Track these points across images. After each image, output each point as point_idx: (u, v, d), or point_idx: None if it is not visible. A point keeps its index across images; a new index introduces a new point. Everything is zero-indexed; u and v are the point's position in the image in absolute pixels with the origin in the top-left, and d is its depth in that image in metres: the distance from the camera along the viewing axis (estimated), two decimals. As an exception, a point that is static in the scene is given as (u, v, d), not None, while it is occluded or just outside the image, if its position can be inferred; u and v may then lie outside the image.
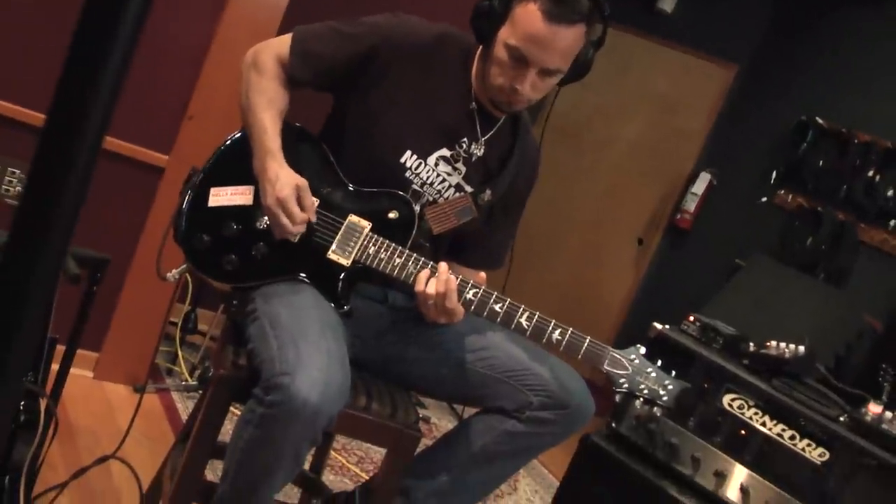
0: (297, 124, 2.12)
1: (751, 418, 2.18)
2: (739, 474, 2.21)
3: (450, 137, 2.07)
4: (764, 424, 2.17)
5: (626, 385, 1.91)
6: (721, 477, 2.22)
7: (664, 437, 2.28)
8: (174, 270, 2.09)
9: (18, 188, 2.93)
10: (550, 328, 1.92)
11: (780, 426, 2.15)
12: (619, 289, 6.12)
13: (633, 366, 1.92)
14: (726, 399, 2.22)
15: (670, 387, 1.90)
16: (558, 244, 6.32)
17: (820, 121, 5.29)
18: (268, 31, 3.04)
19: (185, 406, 3.41)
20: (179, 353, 3.66)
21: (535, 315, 1.93)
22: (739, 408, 2.20)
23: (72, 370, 2.66)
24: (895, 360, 4.37)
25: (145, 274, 3.16)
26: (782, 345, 2.26)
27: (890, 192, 4.99)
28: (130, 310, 3.30)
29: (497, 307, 1.94)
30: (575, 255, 6.32)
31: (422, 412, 4.23)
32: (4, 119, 2.87)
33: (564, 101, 6.26)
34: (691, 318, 2.34)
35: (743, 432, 2.21)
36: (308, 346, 1.77)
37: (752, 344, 2.25)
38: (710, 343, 2.32)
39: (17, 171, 2.88)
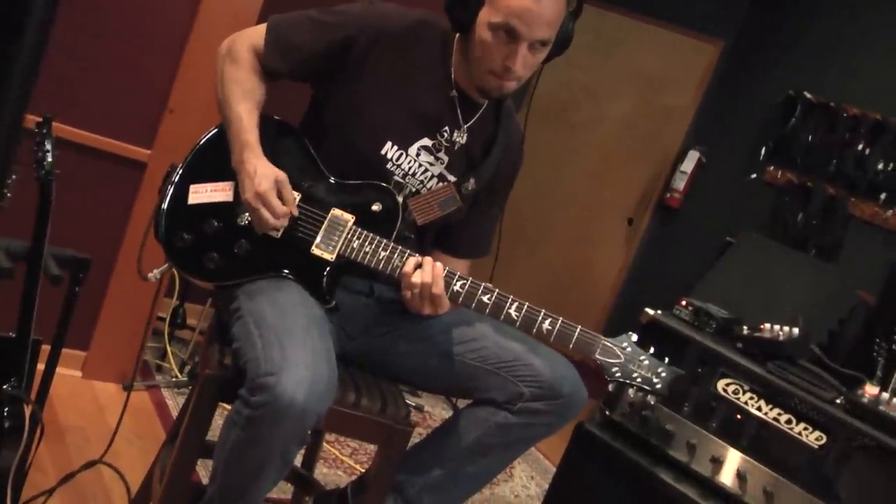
0: (276, 116, 2.08)
1: (746, 403, 2.16)
2: (735, 460, 2.18)
3: (431, 127, 2.03)
4: (759, 409, 2.15)
5: (618, 374, 1.88)
6: (717, 463, 2.19)
7: (659, 424, 2.26)
8: (155, 270, 2.05)
9: None
10: (540, 318, 1.89)
11: (776, 410, 2.13)
12: (610, 269, 6.09)
13: (625, 354, 1.89)
14: (721, 384, 2.19)
15: (664, 374, 1.87)
16: (548, 226, 6.28)
17: (808, 95, 5.25)
18: (247, 20, 2.98)
19: (175, 402, 3.38)
20: (168, 348, 3.62)
21: (524, 305, 1.90)
22: (734, 392, 2.17)
23: (60, 370, 2.63)
24: (889, 335, 4.37)
25: (130, 271, 3.10)
26: (776, 327, 2.23)
27: (880, 166, 4.96)
28: (117, 307, 3.26)
29: (485, 298, 1.90)
30: (565, 237, 6.28)
31: (415, 401, 4.21)
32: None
33: (550, 82, 6.23)
34: (683, 303, 2.31)
35: (738, 417, 2.18)
36: (293, 345, 1.73)
37: (745, 327, 2.23)
38: (703, 327, 2.30)
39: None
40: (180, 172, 2.05)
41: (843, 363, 4.65)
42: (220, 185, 2.01)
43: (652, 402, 1.90)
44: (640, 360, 1.89)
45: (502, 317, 1.90)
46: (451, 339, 2.09)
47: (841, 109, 5.12)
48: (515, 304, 1.90)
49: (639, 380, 1.88)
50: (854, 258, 4.97)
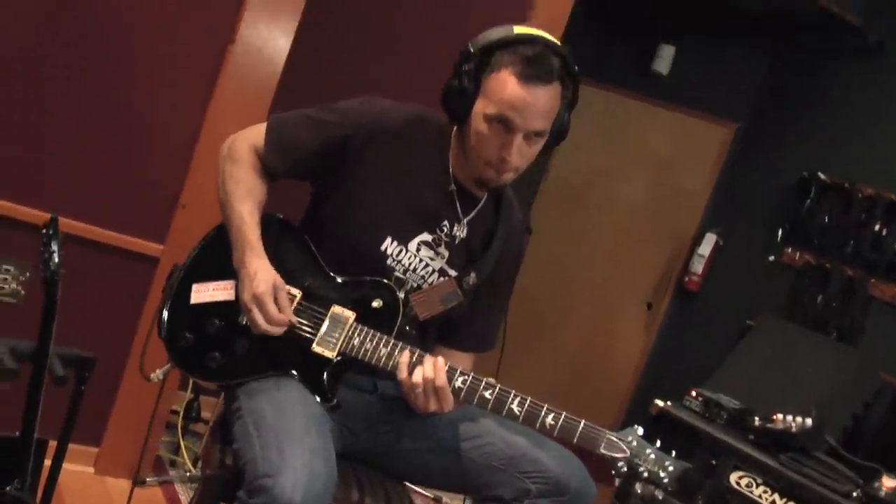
0: (279, 215, 2.10)
1: (760, 497, 2.11)
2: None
3: (430, 221, 2.04)
4: (774, 503, 2.09)
5: (624, 468, 1.85)
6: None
7: (671, 519, 2.20)
8: (158, 370, 2.05)
9: (13, 285, 2.91)
10: (543, 413, 1.87)
11: (790, 504, 2.08)
12: (630, 355, 6.03)
13: (630, 448, 1.85)
14: (734, 477, 2.15)
15: (671, 467, 1.84)
16: (563, 310, 6.25)
17: (822, 176, 5.24)
18: (256, 116, 3.01)
19: (188, 497, 3.34)
20: (182, 442, 3.60)
21: (526, 400, 1.87)
22: (748, 486, 2.13)
23: (72, 466, 2.63)
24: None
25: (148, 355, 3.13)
26: (789, 418, 2.19)
27: (899, 246, 4.92)
28: (128, 403, 3.25)
29: (487, 394, 1.88)
30: (583, 322, 6.24)
31: (433, 492, 4.14)
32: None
33: (562, 166, 6.33)
34: (693, 393, 2.28)
35: (754, 511, 2.13)
36: (291, 446, 1.72)
37: (757, 418, 2.19)
38: (714, 419, 2.26)
39: (11, 268, 2.87)
40: (182, 272, 2.06)
41: (869, 447, 4.58)
42: (222, 283, 2.02)
43: (660, 497, 1.86)
44: (646, 454, 1.85)
45: (504, 412, 1.88)
46: (456, 436, 2.06)
47: (855, 190, 5.10)
48: (517, 399, 1.88)
49: (645, 474, 1.84)
50: (876, 340, 4.89)
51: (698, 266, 5.71)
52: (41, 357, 2.11)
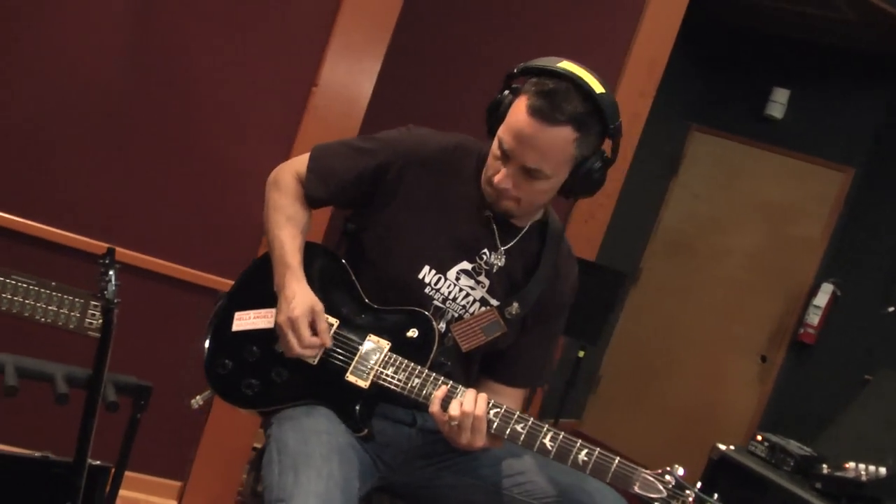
0: (320, 243, 2.10)
1: (824, 548, 1.95)
2: None
3: (469, 250, 1.99)
4: (839, 556, 1.94)
5: (659, 510, 1.74)
6: None
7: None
8: (198, 397, 2.06)
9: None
10: (576, 449, 1.78)
11: (857, 557, 1.92)
12: (743, 409, 5.78)
13: (667, 489, 1.75)
14: (798, 527, 2.00)
15: (708, 507, 1.72)
16: (675, 363, 6.05)
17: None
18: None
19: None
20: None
21: (559, 435, 1.79)
22: (813, 537, 1.98)
23: (156, 499, 2.69)
24: None
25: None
26: (860, 466, 2.03)
27: None
28: (216, 436, 3.29)
29: (519, 427, 1.81)
30: (695, 374, 6.03)
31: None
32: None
33: (675, 214, 6.19)
34: (759, 438, 2.15)
35: (817, 564, 1.98)
36: (308, 472, 1.70)
37: (826, 465, 2.04)
38: (780, 465, 2.11)
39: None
40: (225, 301, 2.07)
41: None
42: (263, 311, 2.02)
43: (700, 543, 1.74)
44: (684, 496, 1.74)
45: (536, 447, 1.80)
46: (498, 473, 2.00)
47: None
48: (550, 433, 1.80)
49: (680, 513, 1.73)
50: None
51: (814, 318, 5.47)
52: (95, 383, 2.16)
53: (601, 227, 4.16)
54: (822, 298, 5.45)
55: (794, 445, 2.18)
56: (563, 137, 1.81)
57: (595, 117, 1.83)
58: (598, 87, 1.82)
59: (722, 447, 2.12)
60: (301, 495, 1.64)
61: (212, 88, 3.06)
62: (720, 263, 6.06)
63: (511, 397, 2.06)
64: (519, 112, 1.82)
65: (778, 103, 5.90)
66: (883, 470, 2.05)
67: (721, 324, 5.99)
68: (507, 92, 1.91)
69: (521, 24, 4.07)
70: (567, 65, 1.84)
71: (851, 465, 2.06)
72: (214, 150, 3.11)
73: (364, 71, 3.27)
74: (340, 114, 3.25)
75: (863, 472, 2.04)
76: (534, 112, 1.79)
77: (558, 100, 1.79)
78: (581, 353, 4.26)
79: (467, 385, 1.89)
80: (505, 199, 1.91)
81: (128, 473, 3.13)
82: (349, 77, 3.26)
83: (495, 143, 1.88)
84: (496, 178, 1.87)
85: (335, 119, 3.25)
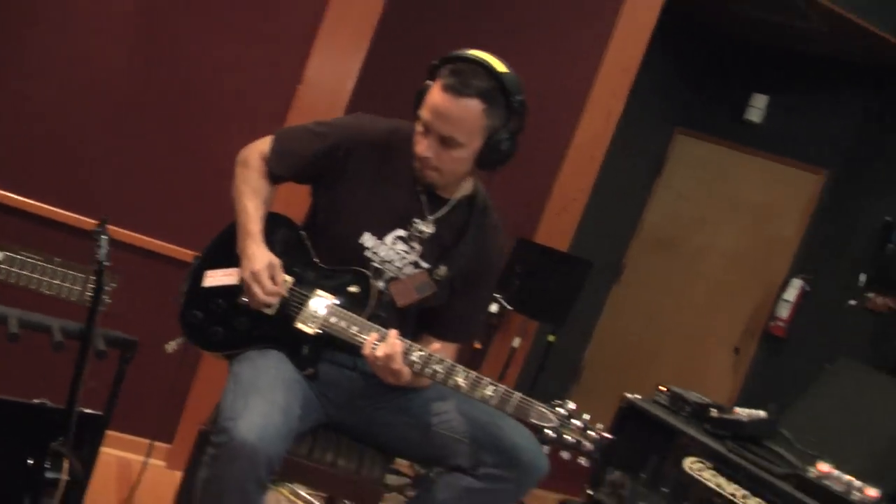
0: (283, 214, 2.43)
1: (708, 479, 2.26)
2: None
3: (402, 219, 2.32)
4: (720, 485, 2.25)
5: (551, 436, 2.06)
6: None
7: (633, 502, 2.38)
8: (172, 342, 2.39)
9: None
10: (483, 385, 2.11)
11: (734, 486, 2.22)
12: (718, 398, 6.03)
13: (559, 419, 2.07)
14: (687, 462, 2.31)
15: (594, 437, 2.04)
16: (654, 355, 6.34)
17: (905, 220, 5.25)
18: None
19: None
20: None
21: (470, 374, 2.12)
22: (699, 469, 2.28)
23: (148, 460, 3.02)
24: None
25: (218, 364, 3.48)
26: (744, 410, 2.34)
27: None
28: (200, 402, 3.61)
29: (438, 367, 2.14)
30: (673, 366, 6.31)
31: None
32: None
33: (659, 212, 6.48)
34: (662, 388, 2.46)
35: (703, 493, 2.28)
36: (255, 397, 2.03)
37: (716, 410, 2.35)
38: (679, 411, 2.42)
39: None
40: (199, 260, 2.41)
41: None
42: (230, 270, 2.35)
43: (585, 464, 2.06)
44: (572, 424, 2.06)
45: (451, 384, 2.13)
46: (427, 412, 2.32)
47: (939, 234, 5.09)
48: (464, 373, 2.12)
49: (570, 440, 2.05)
50: (957, 384, 4.82)
51: (784, 312, 5.74)
52: (88, 333, 2.49)
53: (573, 220, 4.45)
54: (792, 293, 5.72)
55: (692, 395, 2.47)
56: (472, 108, 2.16)
57: (499, 92, 2.17)
58: (500, 67, 2.17)
59: (629, 396, 2.42)
60: (248, 416, 1.97)
61: (206, 86, 3.40)
62: (700, 260, 6.35)
63: (445, 350, 2.37)
64: (434, 91, 2.17)
65: (757, 108, 6.19)
66: (763, 413, 2.35)
67: (699, 317, 6.28)
68: (428, 81, 2.24)
69: (500, 28, 4.36)
70: (475, 52, 2.20)
71: (737, 409, 2.36)
72: (206, 142, 3.44)
73: (347, 70, 3.59)
74: (324, 109, 3.57)
75: (745, 416, 2.34)
76: (446, 88, 2.14)
77: (467, 77, 2.14)
78: (551, 338, 4.55)
79: (408, 338, 2.21)
80: (428, 169, 2.24)
81: (118, 435, 3.50)
82: (332, 76, 3.58)
83: (418, 124, 2.22)
84: (419, 149, 2.22)
85: (319, 114, 3.54)
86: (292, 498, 3.64)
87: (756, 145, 6.21)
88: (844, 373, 4.92)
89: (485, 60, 2.18)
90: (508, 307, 4.11)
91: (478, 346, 4.17)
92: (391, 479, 3.89)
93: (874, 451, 4.47)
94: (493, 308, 4.06)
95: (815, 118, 6.04)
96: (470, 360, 4.11)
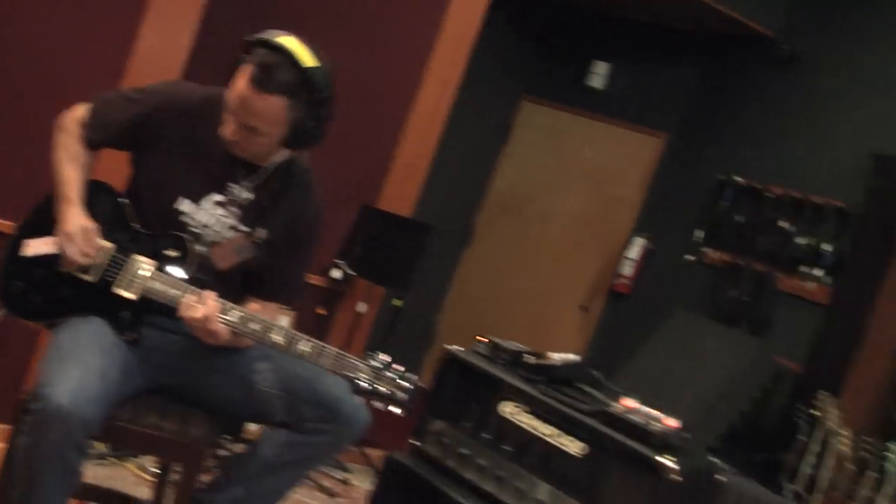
0: (104, 181, 2.43)
1: (522, 421, 2.38)
2: (520, 475, 2.39)
3: (218, 184, 2.36)
4: (534, 427, 2.37)
5: (365, 387, 2.15)
6: (501, 481, 2.40)
7: (455, 450, 2.49)
8: (-6, 312, 2.38)
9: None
10: (299, 341, 2.18)
11: (548, 427, 2.35)
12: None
13: (373, 370, 2.16)
14: (504, 407, 2.43)
15: (407, 386, 2.15)
16: (505, 316, 6.51)
17: (737, 178, 5.54)
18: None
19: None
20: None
21: (285, 330, 2.19)
22: (515, 414, 2.41)
23: None
24: (809, 400, 4.52)
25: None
26: (557, 355, 2.48)
27: (801, 241, 5.19)
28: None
29: (255, 326, 2.20)
30: (523, 326, 6.50)
31: (343, 475, 4.41)
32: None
33: (503, 178, 6.66)
34: (482, 339, 2.58)
35: (519, 436, 2.40)
36: (70, 362, 2.05)
37: (531, 356, 2.48)
38: (497, 360, 2.54)
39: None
40: (18, 230, 2.40)
41: (768, 428, 4.83)
42: (49, 239, 2.34)
43: (400, 413, 2.16)
44: (385, 376, 2.16)
45: (268, 342, 2.20)
46: (249, 371, 2.38)
47: (766, 190, 5.39)
48: (281, 331, 2.20)
49: (384, 390, 2.15)
50: (783, 330, 5.16)
51: (628, 269, 5.98)
52: None
53: (416, 187, 4.54)
54: (635, 251, 5.97)
55: (511, 344, 2.59)
56: (274, 103, 2.19)
57: (304, 87, 2.21)
58: (308, 61, 2.20)
59: (449, 347, 2.53)
60: (63, 381, 1.99)
61: (32, 56, 3.34)
62: (547, 223, 6.55)
63: (266, 311, 2.42)
64: (242, 79, 2.20)
65: (599, 75, 6.41)
66: (573, 356, 2.49)
67: (547, 278, 6.49)
68: (244, 55, 2.26)
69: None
70: (286, 39, 2.22)
71: (551, 354, 2.50)
72: (33, 113, 3.38)
73: (178, 41, 3.59)
74: (159, 72, 3.54)
75: (558, 360, 2.48)
76: (252, 81, 2.17)
77: (272, 72, 2.17)
78: (398, 303, 4.66)
79: (232, 300, 2.26)
80: (235, 147, 2.29)
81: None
82: (163, 46, 3.57)
83: (227, 102, 2.25)
84: (225, 132, 2.26)
85: (154, 77, 3.54)
86: (139, 472, 3.64)
87: (598, 111, 6.43)
88: (680, 324, 5.20)
89: (292, 53, 2.19)
90: (352, 273, 4.17)
91: (322, 311, 4.23)
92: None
93: (706, 395, 4.76)
94: (337, 274, 4.13)
95: (653, 84, 6.30)
96: (315, 326, 4.17)
